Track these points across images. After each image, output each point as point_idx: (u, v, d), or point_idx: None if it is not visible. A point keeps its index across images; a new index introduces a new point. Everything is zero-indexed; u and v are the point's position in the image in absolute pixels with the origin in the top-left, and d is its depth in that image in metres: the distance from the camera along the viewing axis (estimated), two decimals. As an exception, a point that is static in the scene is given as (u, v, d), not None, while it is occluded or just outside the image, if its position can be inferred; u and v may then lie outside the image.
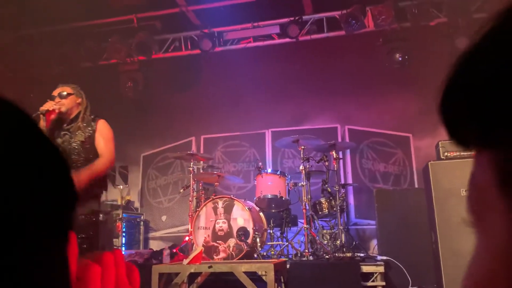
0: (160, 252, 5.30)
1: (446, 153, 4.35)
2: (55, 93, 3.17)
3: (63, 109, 3.12)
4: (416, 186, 6.10)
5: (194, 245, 4.44)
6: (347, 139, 6.27)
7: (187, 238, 4.94)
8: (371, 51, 6.55)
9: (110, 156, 3.12)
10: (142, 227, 6.61)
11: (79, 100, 3.21)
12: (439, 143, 4.45)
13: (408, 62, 6.37)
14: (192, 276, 4.12)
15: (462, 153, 4.29)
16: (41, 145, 0.38)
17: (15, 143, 0.36)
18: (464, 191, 4.08)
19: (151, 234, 6.89)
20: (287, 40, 6.64)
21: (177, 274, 3.79)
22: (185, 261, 3.80)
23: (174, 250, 5.13)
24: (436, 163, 4.33)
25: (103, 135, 3.16)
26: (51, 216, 0.38)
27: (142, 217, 6.72)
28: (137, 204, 7.09)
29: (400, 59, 6.40)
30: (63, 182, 0.40)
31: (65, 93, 3.16)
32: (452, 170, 4.19)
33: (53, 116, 3.09)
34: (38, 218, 0.36)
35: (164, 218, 6.89)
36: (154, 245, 6.61)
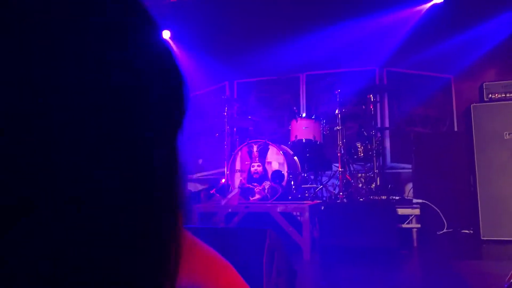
0: (198, 193, 5.48)
1: (490, 95, 4.17)
2: None
3: None
4: (456, 129, 5.93)
5: (230, 187, 4.56)
6: (385, 82, 6.08)
7: (223, 180, 5.06)
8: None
9: None
10: (179, 170, 6.80)
11: None
12: (483, 84, 4.26)
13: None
14: (229, 216, 4.26)
15: (507, 95, 4.10)
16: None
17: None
18: (507, 134, 3.94)
19: (188, 177, 7.10)
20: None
21: (214, 214, 3.93)
22: (223, 202, 3.92)
23: (211, 192, 5.29)
24: (478, 106, 4.16)
25: None
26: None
27: (178, 160, 6.89)
28: (173, 148, 7.25)
29: (444, -4, 6.01)
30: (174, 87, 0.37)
31: None
32: (496, 113, 4.04)
33: None
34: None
35: (200, 161, 7.05)
36: (191, 187, 6.82)
